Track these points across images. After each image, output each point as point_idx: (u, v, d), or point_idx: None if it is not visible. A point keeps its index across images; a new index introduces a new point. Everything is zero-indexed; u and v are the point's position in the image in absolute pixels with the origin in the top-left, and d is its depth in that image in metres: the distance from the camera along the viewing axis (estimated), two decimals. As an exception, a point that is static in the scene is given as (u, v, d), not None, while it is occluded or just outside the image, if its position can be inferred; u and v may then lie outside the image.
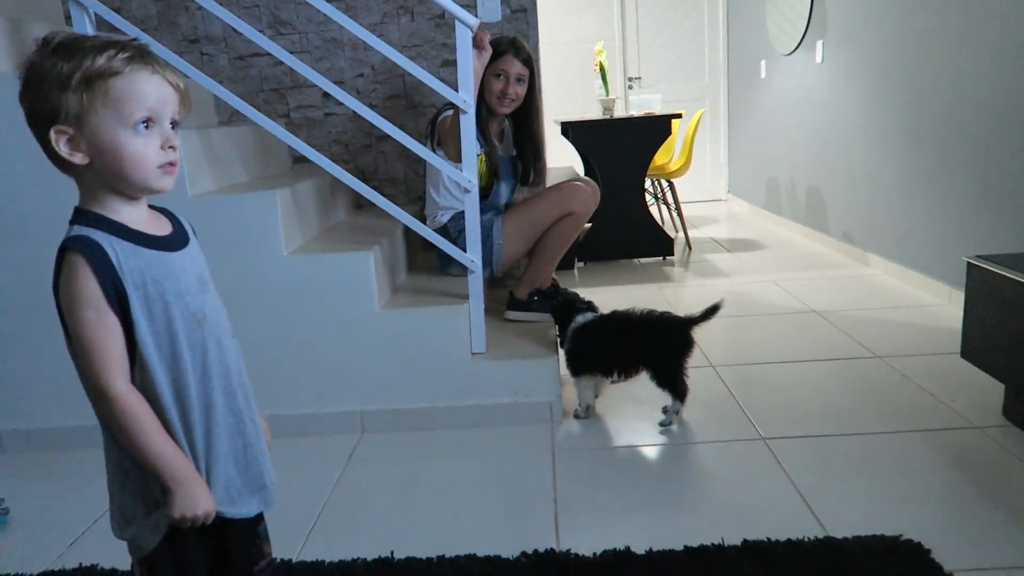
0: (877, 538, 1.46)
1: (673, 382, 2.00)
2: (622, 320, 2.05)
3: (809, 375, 2.34)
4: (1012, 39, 2.53)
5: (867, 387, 2.22)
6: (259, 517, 1.06)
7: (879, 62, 3.48)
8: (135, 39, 0.89)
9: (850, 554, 1.41)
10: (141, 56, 0.86)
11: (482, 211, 2.26)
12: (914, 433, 1.90)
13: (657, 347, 2.01)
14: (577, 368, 2.08)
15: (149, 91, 0.86)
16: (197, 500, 0.90)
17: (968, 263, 1.93)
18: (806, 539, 1.46)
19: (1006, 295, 1.79)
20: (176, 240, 0.95)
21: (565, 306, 2.13)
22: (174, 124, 0.90)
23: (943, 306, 2.94)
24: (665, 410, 2.05)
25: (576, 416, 2.11)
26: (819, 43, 4.14)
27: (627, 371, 2.04)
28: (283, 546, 1.55)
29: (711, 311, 1.98)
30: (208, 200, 1.99)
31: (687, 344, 2.00)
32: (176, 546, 0.94)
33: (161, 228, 0.94)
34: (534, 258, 2.41)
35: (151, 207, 0.95)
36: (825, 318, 2.90)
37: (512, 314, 2.43)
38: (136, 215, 0.91)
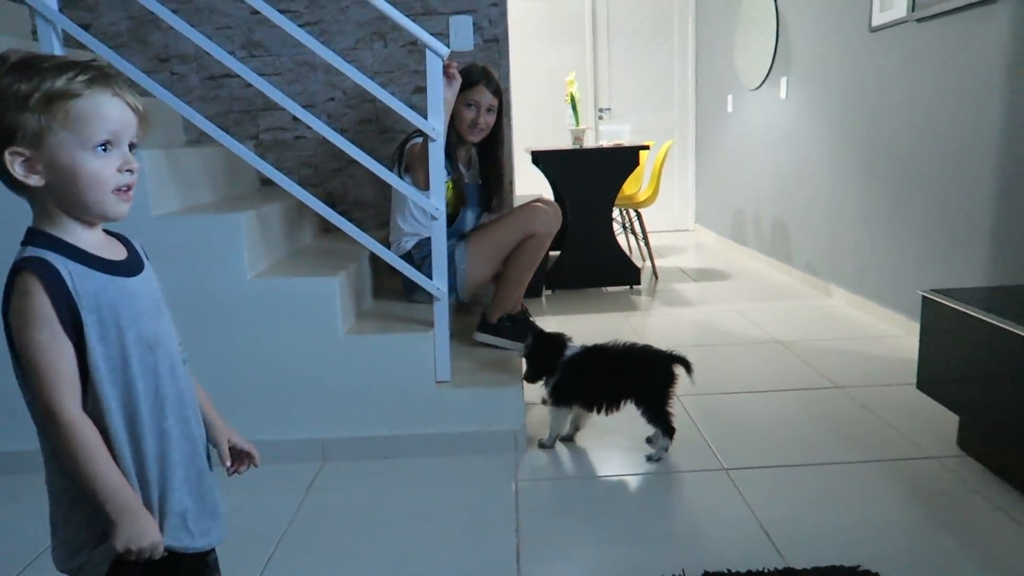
0: (835, 568, 1.47)
1: (664, 416, 1.98)
2: (609, 353, 2.03)
3: (771, 405, 2.37)
4: (967, 81, 2.63)
5: (827, 417, 2.25)
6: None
7: (840, 99, 3.58)
8: (95, 59, 0.89)
9: (809, 585, 1.42)
10: (102, 78, 0.86)
11: (447, 237, 2.27)
12: (872, 463, 1.93)
13: (645, 381, 2.00)
14: (562, 399, 2.05)
15: (110, 114, 0.85)
16: (143, 532, 0.88)
17: (923, 297, 1.98)
18: (766, 570, 1.47)
19: (959, 329, 1.84)
20: (131, 265, 0.93)
21: (552, 340, 2.09)
22: (132, 147, 0.89)
23: (901, 337, 3.01)
24: (650, 440, 2.07)
25: (541, 446, 2.10)
26: (783, 79, 4.26)
27: (613, 404, 2.01)
28: (237, 577, 1.51)
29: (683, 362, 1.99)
30: (171, 221, 1.96)
31: (671, 377, 1.99)
32: (122, 579, 0.91)
33: (116, 253, 0.93)
34: (502, 283, 2.42)
35: (105, 231, 0.94)
36: (788, 348, 2.95)
37: (481, 336, 2.42)
38: (91, 238, 0.90)
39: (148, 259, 0.98)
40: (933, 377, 1.98)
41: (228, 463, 1.09)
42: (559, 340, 2.08)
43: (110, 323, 0.87)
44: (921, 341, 2.01)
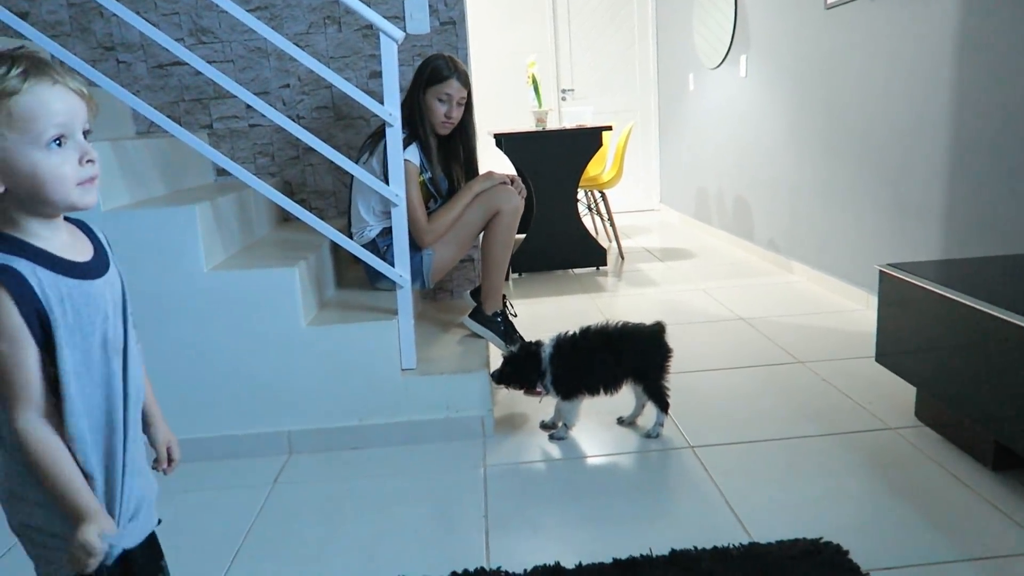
0: (799, 542, 1.50)
1: (661, 392, 2.01)
2: (605, 334, 2.01)
3: (736, 382, 2.40)
4: (919, 58, 2.66)
5: (790, 392, 2.28)
6: (159, 553, 1.02)
7: (798, 77, 3.61)
8: (21, 47, 0.85)
9: (774, 559, 1.44)
10: (37, 67, 0.81)
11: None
12: (833, 436, 1.97)
13: (643, 357, 2.01)
14: (569, 391, 2.02)
15: (55, 106, 0.81)
16: (99, 536, 0.86)
17: (880, 271, 2.02)
18: (732, 546, 1.49)
19: (915, 302, 1.87)
20: (97, 266, 0.91)
21: (530, 351, 2.03)
22: (86, 134, 0.85)
23: (861, 311, 3.06)
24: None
25: (558, 438, 2.06)
26: (743, 58, 4.28)
27: (615, 385, 2.01)
28: (203, 576, 1.49)
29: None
30: (123, 215, 1.91)
31: (668, 351, 2.02)
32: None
33: (82, 251, 0.90)
34: (485, 270, 2.41)
35: (67, 219, 0.91)
36: (751, 325, 2.98)
37: (471, 324, 2.41)
38: (56, 238, 0.87)
39: (111, 249, 0.96)
40: (891, 350, 2.01)
41: (164, 467, 1.07)
42: (535, 350, 2.02)
43: (75, 327, 0.85)
44: (879, 315, 2.05)
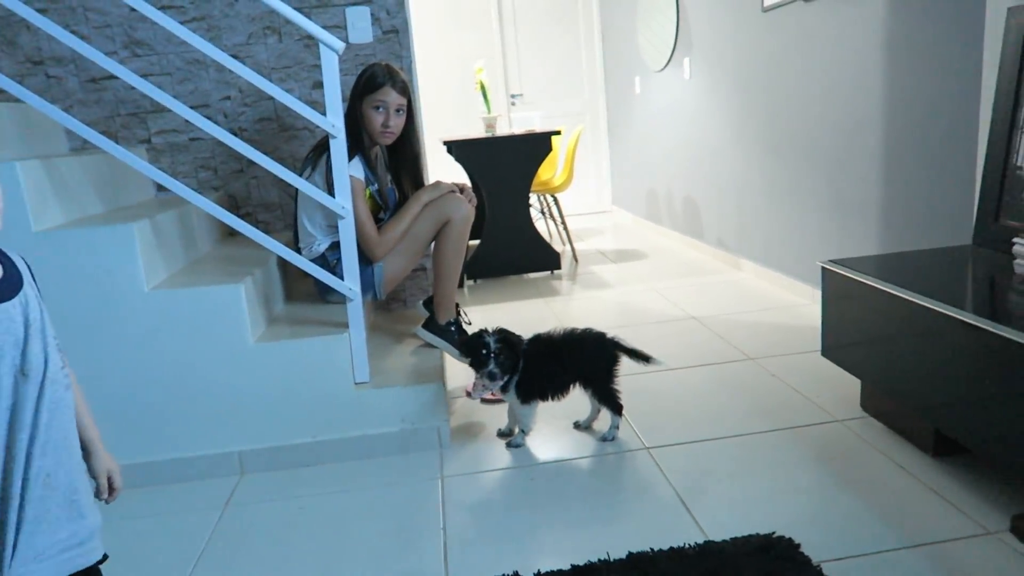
0: (752, 537, 1.52)
1: (611, 395, 2.01)
2: (552, 340, 2.02)
3: (689, 381, 2.43)
4: (853, 58, 2.74)
5: (741, 389, 2.32)
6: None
7: (740, 79, 3.69)
8: None
9: (728, 556, 1.46)
10: None
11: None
12: (783, 431, 2.01)
13: (591, 363, 2.01)
14: (529, 394, 2.01)
15: None
16: None
17: (822, 267, 2.07)
18: (687, 546, 1.51)
19: (856, 296, 1.92)
20: (7, 287, 0.86)
21: (511, 342, 1.99)
22: None
23: (807, 306, 3.14)
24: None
25: (515, 445, 2.05)
26: (686, 60, 4.35)
27: (563, 390, 2.02)
28: (151, 607, 1.45)
29: (641, 357, 2.03)
30: (56, 235, 1.84)
31: (615, 358, 2.02)
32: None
33: None
34: (437, 280, 2.38)
35: None
36: (703, 324, 3.03)
37: (424, 334, 2.39)
38: None
39: (32, 273, 0.92)
40: (835, 344, 2.07)
41: (104, 496, 1.04)
42: (514, 340, 2.01)
43: None
44: (823, 309, 2.10)
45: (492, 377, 1.94)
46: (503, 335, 1.98)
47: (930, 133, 2.40)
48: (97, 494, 1.01)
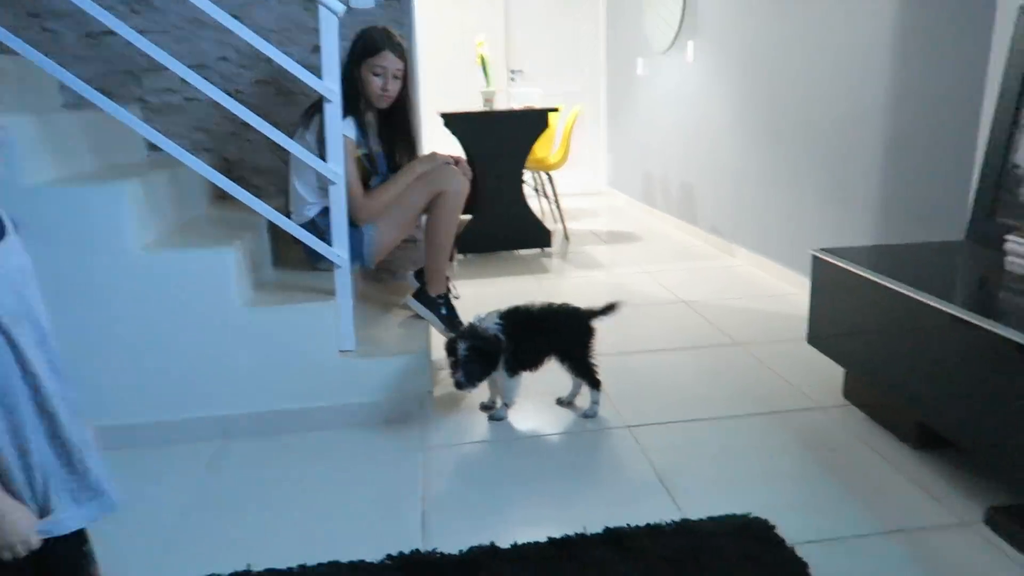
0: (729, 517, 1.54)
1: (588, 370, 2.03)
2: (530, 313, 2.03)
3: (675, 363, 2.44)
4: (860, 48, 2.73)
5: (726, 373, 2.34)
6: (84, 538, 0.98)
7: (743, 64, 3.67)
8: None
9: (704, 534, 1.48)
10: None
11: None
12: (766, 416, 2.03)
13: (566, 337, 2.03)
14: (516, 367, 2.02)
15: None
16: (17, 527, 0.83)
17: (813, 256, 2.07)
18: (664, 523, 1.52)
19: (844, 286, 1.93)
20: None
21: (483, 350, 1.96)
22: None
23: (797, 294, 3.15)
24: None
25: (497, 419, 2.06)
26: (690, 43, 4.32)
27: (536, 363, 2.04)
28: (134, 568, 1.46)
29: (609, 308, 2.05)
30: (46, 191, 1.82)
31: (590, 332, 2.04)
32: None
33: None
34: (429, 252, 2.38)
35: None
36: (692, 308, 3.04)
37: (414, 303, 2.38)
38: None
39: (16, 227, 0.91)
40: (822, 332, 2.08)
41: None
42: (493, 344, 1.98)
43: None
44: (811, 298, 2.11)
45: (459, 386, 1.95)
46: (474, 343, 1.93)
47: (932, 127, 2.39)
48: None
